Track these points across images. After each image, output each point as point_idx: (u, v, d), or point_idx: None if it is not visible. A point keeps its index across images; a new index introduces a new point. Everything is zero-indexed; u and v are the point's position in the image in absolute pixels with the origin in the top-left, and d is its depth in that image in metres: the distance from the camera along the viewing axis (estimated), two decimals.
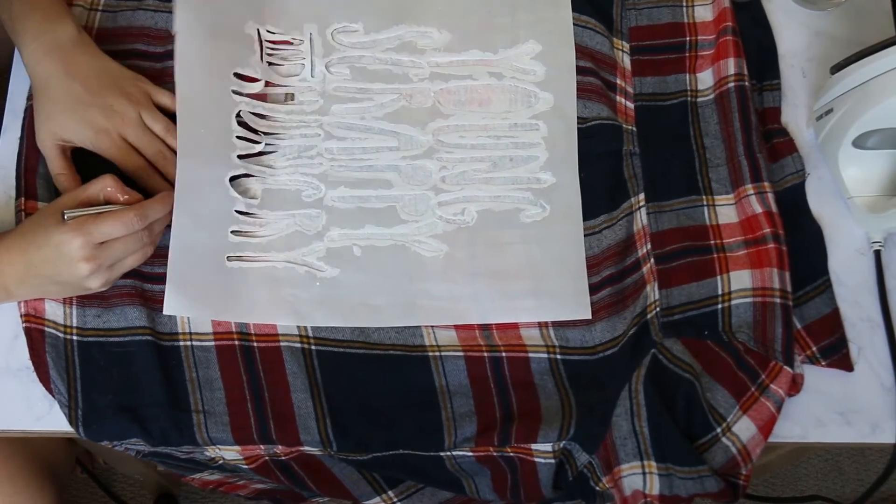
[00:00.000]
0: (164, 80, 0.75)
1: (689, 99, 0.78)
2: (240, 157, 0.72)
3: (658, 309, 0.71)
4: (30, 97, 0.73)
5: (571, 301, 0.70)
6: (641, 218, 0.74)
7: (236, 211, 0.71)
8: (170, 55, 0.75)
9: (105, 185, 0.64)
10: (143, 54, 0.76)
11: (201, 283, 0.68)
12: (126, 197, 0.65)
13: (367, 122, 0.75)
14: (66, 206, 0.63)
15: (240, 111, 0.73)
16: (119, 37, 0.76)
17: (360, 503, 0.80)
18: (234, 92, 0.73)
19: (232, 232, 0.70)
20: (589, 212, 0.73)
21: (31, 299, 0.67)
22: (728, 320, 0.70)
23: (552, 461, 0.68)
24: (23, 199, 0.70)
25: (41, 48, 0.68)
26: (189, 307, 0.67)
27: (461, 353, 0.69)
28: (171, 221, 0.68)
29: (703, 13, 0.81)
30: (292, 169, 0.73)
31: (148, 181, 0.69)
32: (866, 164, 0.73)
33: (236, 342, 0.69)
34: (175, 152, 0.70)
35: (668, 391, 0.68)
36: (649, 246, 0.73)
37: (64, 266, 0.62)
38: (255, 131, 0.74)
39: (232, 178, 0.72)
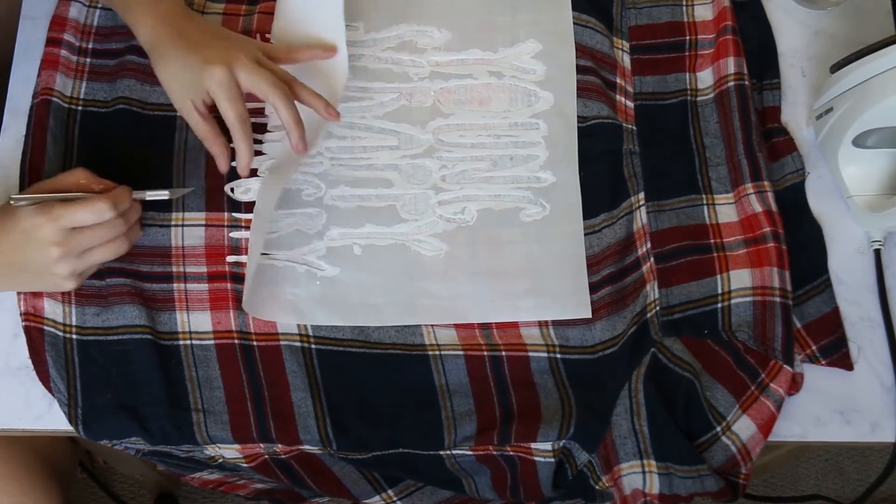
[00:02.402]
0: None
1: (688, 98, 0.78)
2: None
3: (658, 308, 0.71)
4: (35, 95, 0.73)
5: (572, 300, 0.70)
6: (641, 217, 0.74)
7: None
8: None
9: (77, 178, 0.64)
10: (141, 51, 0.75)
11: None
12: (101, 186, 0.64)
13: (368, 120, 0.75)
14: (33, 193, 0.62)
15: None
16: (118, 35, 0.76)
17: (359, 502, 0.80)
18: None
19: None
20: (589, 210, 0.73)
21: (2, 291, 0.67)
22: (728, 319, 0.70)
23: (552, 460, 0.68)
24: None
25: (151, 18, 0.68)
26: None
27: (461, 353, 0.69)
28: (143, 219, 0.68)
29: (703, 12, 0.81)
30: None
31: (235, 134, 0.67)
32: (866, 163, 0.73)
33: (236, 341, 0.69)
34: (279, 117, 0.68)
35: (667, 390, 0.68)
36: (649, 245, 0.73)
37: (33, 250, 0.61)
38: (257, 131, 0.74)
39: (236, 176, 0.72)
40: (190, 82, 0.66)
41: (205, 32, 0.68)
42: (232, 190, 0.72)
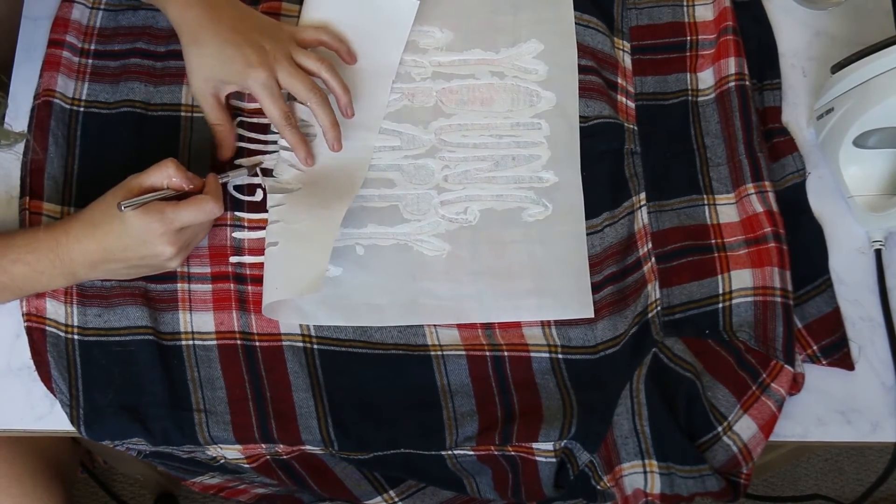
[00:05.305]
0: (165, 79, 0.75)
1: (689, 98, 0.78)
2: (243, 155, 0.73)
3: (659, 308, 0.71)
4: (37, 96, 0.73)
5: (574, 300, 0.70)
6: (642, 217, 0.74)
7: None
8: (171, 55, 0.75)
9: (169, 174, 0.64)
10: (144, 53, 0.76)
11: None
12: (191, 186, 0.65)
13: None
14: (132, 193, 0.63)
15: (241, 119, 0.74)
16: (121, 36, 0.76)
17: (361, 502, 0.80)
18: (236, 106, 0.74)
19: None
20: (591, 210, 0.73)
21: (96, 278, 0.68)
22: (729, 319, 0.70)
23: (553, 460, 0.68)
24: (27, 198, 0.70)
25: None
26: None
27: (463, 353, 0.69)
28: None
29: (704, 13, 0.81)
30: (295, 168, 0.73)
31: (286, 132, 0.70)
32: (867, 164, 0.73)
33: (238, 342, 0.69)
34: (327, 87, 0.71)
35: (669, 390, 0.68)
36: (650, 245, 0.73)
37: (148, 250, 0.64)
38: (261, 131, 0.74)
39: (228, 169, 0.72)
40: (220, 73, 0.69)
41: (240, 19, 0.69)
42: (225, 184, 0.72)
